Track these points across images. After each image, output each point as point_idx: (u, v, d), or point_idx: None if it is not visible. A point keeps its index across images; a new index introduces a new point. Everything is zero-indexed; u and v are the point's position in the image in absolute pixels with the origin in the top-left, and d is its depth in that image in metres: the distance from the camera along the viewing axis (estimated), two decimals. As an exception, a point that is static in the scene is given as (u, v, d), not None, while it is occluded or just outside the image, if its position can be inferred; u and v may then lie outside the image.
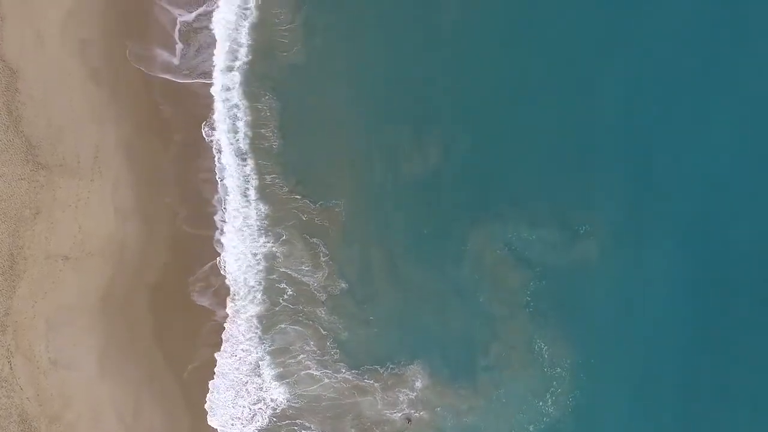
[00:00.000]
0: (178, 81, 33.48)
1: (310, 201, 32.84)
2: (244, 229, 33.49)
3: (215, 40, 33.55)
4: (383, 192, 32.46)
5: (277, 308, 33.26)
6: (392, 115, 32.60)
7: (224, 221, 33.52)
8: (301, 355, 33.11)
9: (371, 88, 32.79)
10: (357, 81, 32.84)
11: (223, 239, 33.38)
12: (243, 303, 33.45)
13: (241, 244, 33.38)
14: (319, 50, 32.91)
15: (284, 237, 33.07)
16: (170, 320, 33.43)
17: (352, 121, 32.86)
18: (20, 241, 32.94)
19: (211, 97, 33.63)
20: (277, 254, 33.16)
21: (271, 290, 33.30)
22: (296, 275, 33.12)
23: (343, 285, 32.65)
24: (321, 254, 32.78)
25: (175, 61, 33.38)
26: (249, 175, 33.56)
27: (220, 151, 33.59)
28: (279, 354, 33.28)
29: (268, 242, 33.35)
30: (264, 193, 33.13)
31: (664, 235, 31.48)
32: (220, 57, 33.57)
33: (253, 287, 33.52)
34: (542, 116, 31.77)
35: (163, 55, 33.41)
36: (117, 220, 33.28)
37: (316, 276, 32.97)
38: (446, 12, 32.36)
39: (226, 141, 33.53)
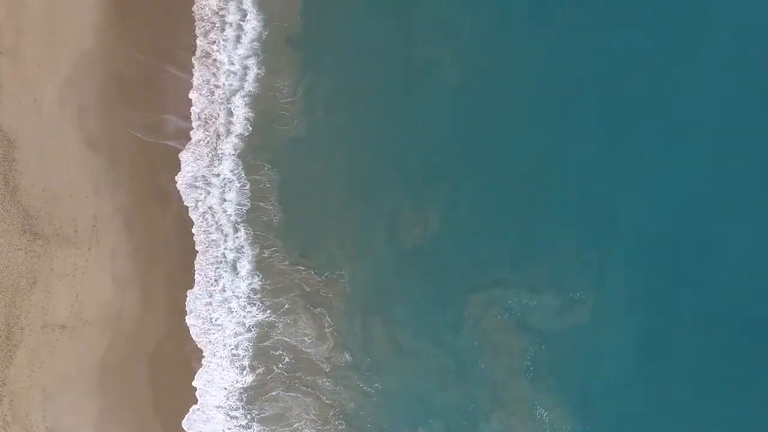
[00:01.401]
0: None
1: (315, 272, 32.71)
2: (231, 299, 33.20)
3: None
4: (387, 262, 32.51)
5: (269, 376, 32.96)
6: (392, 186, 32.79)
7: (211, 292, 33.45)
8: (297, 424, 32.78)
9: (372, 159, 32.99)
10: (358, 153, 33.03)
11: (195, 309, 33.20)
12: (225, 373, 33.02)
13: (226, 315, 33.22)
14: (320, 123, 33.07)
15: (287, 306, 32.93)
16: (169, 390, 33.19)
17: (354, 192, 33.06)
18: (17, 311, 32.70)
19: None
20: (277, 323, 32.99)
21: (265, 358, 33.04)
22: (295, 344, 32.95)
23: (348, 357, 32.53)
24: (326, 324, 32.67)
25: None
26: (242, 246, 33.32)
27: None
28: (271, 422, 32.93)
29: (263, 312, 33.09)
30: (261, 266, 32.98)
31: (659, 299, 31.63)
32: (203, 129, 33.77)
33: (239, 356, 33.11)
34: (538, 186, 32.21)
35: (175, 122, 33.41)
36: (115, 288, 33.12)
37: (319, 347, 32.76)
38: (445, 83, 32.67)
39: (199, 214, 33.49)
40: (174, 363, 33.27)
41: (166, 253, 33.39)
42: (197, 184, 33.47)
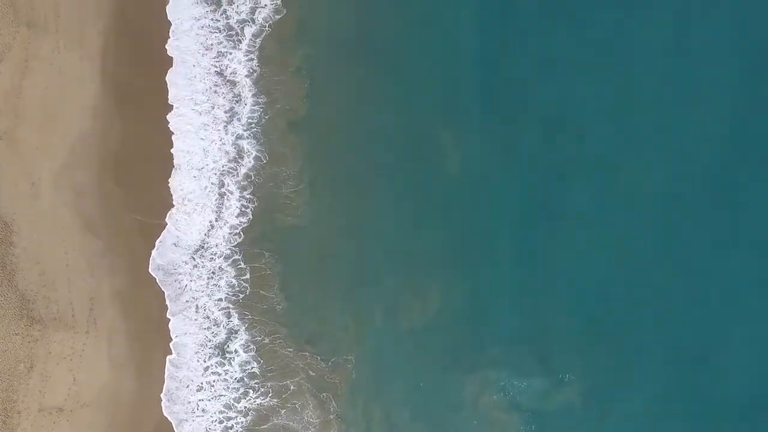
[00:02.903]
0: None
1: (321, 359, 32.97)
2: (215, 383, 33.09)
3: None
4: (390, 345, 33.17)
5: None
6: (393, 274, 33.57)
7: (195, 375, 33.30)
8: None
9: (375, 246, 33.71)
10: (361, 240, 33.69)
11: (174, 395, 32.91)
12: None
13: (212, 400, 33.11)
14: (324, 212, 33.56)
15: (293, 389, 33.04)
16: (167, 470, 33.44)
17: (358, 278, 33.65)
18: (14, 395, 32.73)
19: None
20: (279, 408, 33.00)
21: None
22: (297, 427, 33.01)
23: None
24: (332, 410, 32.88)
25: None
26: (236, 332, 33.20)
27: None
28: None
29: (262, 397, 33.03)
30: (262, 352, 33.11)
31: (646, 382, 32.77)
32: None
33: None
34: (529, 272, 33.41)
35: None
36: (112, 370, 33.29)
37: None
38: (443, 169, 33.65)
39: (182, 302, 33.27)
40: (171, 444, 33.56)
41: (163, 334, 33.65)
42: (181, 270, 33.31)
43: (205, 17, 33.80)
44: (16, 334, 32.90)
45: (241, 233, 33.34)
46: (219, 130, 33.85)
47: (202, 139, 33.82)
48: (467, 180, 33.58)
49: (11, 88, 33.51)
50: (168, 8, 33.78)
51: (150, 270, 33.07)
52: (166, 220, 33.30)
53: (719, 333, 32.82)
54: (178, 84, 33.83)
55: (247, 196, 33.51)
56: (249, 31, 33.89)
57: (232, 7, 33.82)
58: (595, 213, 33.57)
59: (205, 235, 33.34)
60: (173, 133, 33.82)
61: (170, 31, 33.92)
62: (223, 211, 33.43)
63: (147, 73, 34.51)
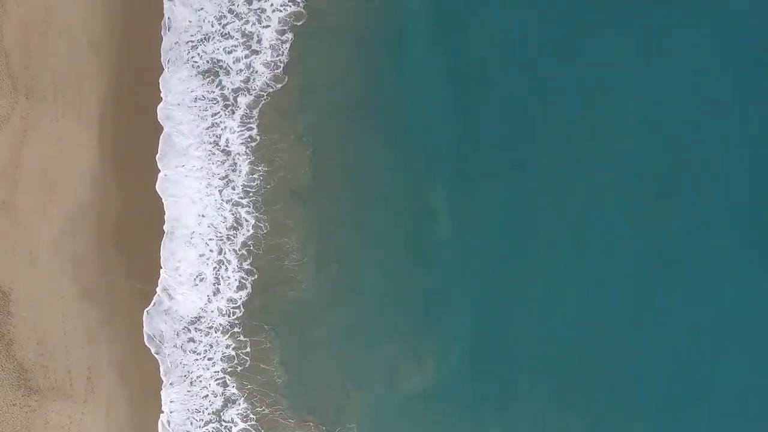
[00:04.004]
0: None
1: (326, 429, 32.91)
2: None
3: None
4: (390, 413, 33.43)
5: None
6: (394, 343, 33.75)
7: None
8: None
9: (378, 315, 33.87)
10: (365, 308, 33.82)
11: None
12: None
13: None
14: (328, 285, 33.44)
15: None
16: None
17: (360, 350, 33.82)
18: (11, 465, 32.72)
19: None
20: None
21: None
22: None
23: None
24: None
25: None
26: (235, 400, 33.02)
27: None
28: None
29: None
30: (263, 422, 33.10)
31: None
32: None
33: None
34: (527, 337, 33.67)
35: None
36: (110, 439, 33.40)
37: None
38: (447, 236, 33.70)
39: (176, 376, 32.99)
40: None
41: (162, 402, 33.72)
42: (175, 342, 33.03)
43: (200, 88, 33.78)
44: (13, 405, 32.89)
45: (241, 307, 33.21)
46: (214, 196, 33.66)
47: (195, 203, 33.63)
48: (468, 245, 33.64)
49: (10, 159, 33.70)
50: (161, 79, 33.53)
51: (145, 342, 33.04)
52: (157, 288, 33.07)
53: (718, 374, 32.93)
54: (168, 152, 33.64)
55: (246, 267, 33.27)
56: (244, 100, 33.75)
57: (228, 77, 33.89)
58: (593, 270, 33.76)
59: (201, 309, 33.16)
60: (163, 200, 33.50)
61: (162, 100, 33.67)
62: (220, 282, 33.25)
63: (146, 139, 34.54)
